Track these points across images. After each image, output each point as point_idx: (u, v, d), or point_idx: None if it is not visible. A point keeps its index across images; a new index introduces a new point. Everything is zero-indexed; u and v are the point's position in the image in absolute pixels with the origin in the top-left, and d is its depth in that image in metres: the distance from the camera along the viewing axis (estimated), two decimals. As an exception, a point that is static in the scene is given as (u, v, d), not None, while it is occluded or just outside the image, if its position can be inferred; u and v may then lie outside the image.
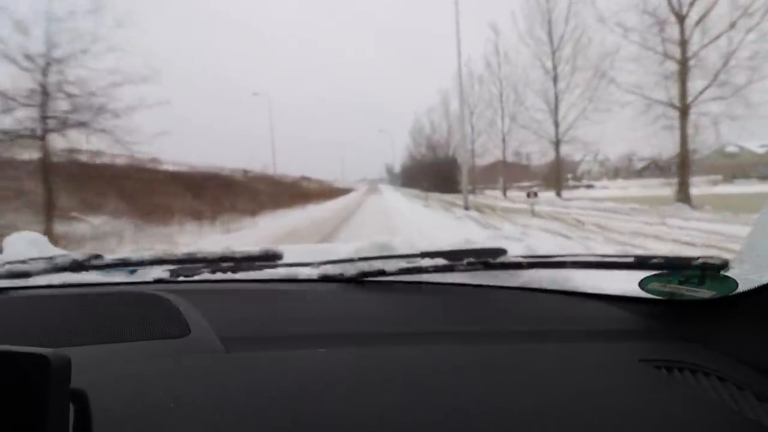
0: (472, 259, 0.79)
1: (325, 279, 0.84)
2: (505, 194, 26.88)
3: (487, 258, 0.78)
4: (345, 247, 0.98)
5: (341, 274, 0.83)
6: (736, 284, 0.56)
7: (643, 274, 0.65)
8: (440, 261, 0.81)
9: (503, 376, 0.50)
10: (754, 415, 0.43)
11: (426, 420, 0.40)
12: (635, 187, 27.63)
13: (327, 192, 30.11)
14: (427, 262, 0.81)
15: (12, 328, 0.62)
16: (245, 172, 19.61)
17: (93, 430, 0.32)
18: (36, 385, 0.28)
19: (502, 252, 0.81)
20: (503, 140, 26.48)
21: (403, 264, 0.81)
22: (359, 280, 0.81)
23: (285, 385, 0.46)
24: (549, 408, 0.43)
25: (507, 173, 36.66)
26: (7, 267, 0.82)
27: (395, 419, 0.40)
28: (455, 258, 0.80)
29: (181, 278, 0.88)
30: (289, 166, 32.07)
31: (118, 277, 0.91)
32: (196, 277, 0.88)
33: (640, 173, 41.49)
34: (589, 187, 35.95)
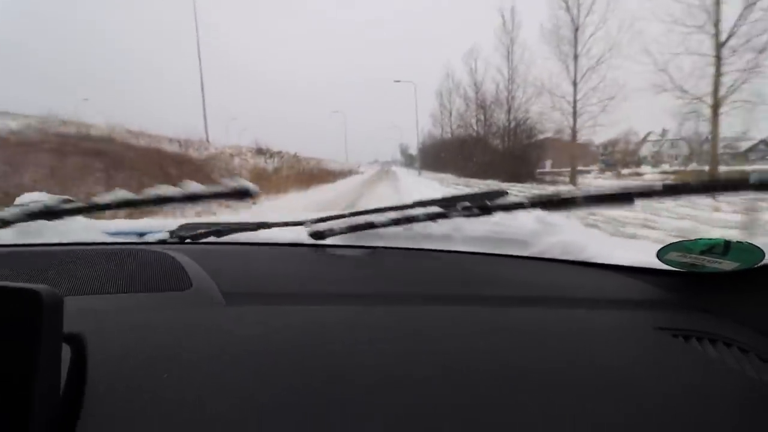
0: (467, 204, 0.76)
1: (335, 244, 0.84)
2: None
3: (485, 201, 0.75)
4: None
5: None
6: (763, 254, 0.53)
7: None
8: (433, 209, 0.78)
9: (511, 339, 0.48)
10: None
11: (426, 377, 0.39)
12: None
13: (299, 178, 16.03)
14: (419, 211, 0.78)
15: (14, 280, 0.60)
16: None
17: (90, 374, 0.32)
18: (27, 321, 0.28)
19: (501, 194, 0.77)
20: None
21: (393, 215, 0.79)
22: (364, 246, 0.81)
23: (285, 338, 0.46)
24: (558, 371, 0.41)
25: (556, 155, 21.98)
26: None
27: (395, 376, 0.39)
28: (449, 205, 0.77)
29: (186, 240, 0.90)
30: (288, 145, 20.77)
31: (124, 238, 0.93)
32: (201, 240, 0.90)
33: (745, 156, 27.25)
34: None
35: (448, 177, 22.66)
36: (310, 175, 17.74)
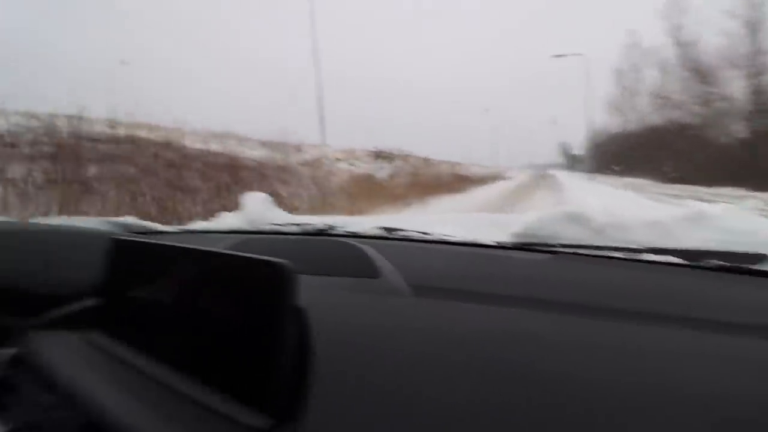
0: (718, 262, 0.63)
1: (514, 247, 0.82)
2: None
3: (739, 263, 0.62)
4: (525, 217, 0.94)
5: (533, 244, 0.80)
6: None
7: None
8: (671, 259, 0.67)
9: (750, 378, 0.38)
10: None
11: (620, 399, 0.36)
12: None
13: (411, 188, 11.90)
14: (650, 258, 0.68)
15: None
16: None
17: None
18: (273, 288, 0.34)
19: (761, 258, 0.62)
20: None
21: (618, 255, 0.72)
22: (553, 251, 0.77)
23: (471, 334, 0.46)
24: None
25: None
26: (272, 227, 1.09)
27: (594, 393, 0.37)
28: (692, 258, 0.66)
29: (376, 234, 0.96)
30: (425, 149, 18.30)
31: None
32: (388, 235, 0.96)
33: None
34: None
35: (643, 183, 15.38)
36: (428, 184, 13.16)
